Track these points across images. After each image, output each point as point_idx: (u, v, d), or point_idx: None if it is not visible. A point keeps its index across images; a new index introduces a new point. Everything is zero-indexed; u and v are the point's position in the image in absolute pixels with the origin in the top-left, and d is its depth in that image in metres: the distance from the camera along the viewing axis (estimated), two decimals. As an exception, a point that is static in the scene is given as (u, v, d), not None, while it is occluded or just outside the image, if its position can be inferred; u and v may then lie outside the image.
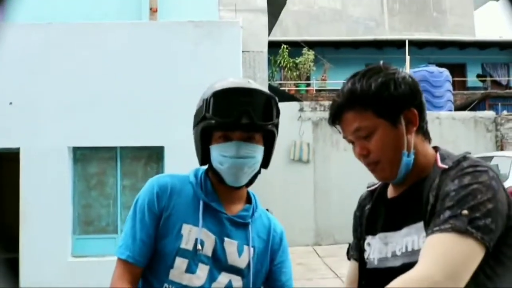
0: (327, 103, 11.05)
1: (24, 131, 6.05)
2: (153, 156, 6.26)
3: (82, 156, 6.27)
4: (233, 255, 1.48)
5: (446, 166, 1.17)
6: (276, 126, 1.52)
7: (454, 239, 1.03)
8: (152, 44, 6.20)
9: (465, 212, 1.05)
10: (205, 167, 1.55)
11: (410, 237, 1.19)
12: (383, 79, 1.21)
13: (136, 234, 1.45)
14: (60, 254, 5.85)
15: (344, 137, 1.30)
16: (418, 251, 1.11)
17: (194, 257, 1.44)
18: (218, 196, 1.52)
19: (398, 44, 15.65)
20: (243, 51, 7.27)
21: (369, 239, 1.33)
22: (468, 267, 1.02)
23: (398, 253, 1.21)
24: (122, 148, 6.19)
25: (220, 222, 1.49)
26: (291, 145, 10.33)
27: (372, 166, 1.26)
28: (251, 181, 1.53)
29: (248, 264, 1.50)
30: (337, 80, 16.02)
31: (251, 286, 1.51)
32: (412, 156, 1.22)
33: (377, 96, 1.20)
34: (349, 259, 1.45)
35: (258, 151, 1.49)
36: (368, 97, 1.20)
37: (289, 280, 1.64)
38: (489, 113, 11.32)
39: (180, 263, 1.44)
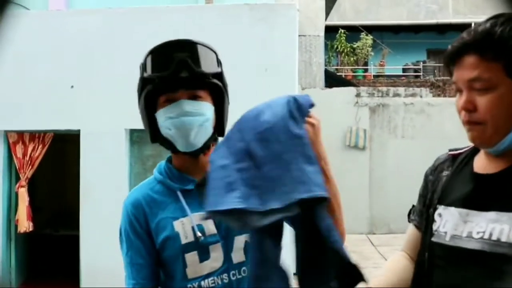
0: (385, 88, 10.78)
1: (84, 113, 6.24)
2: (207, 139, 6.31)
3: (139, 138, 6.40)
4: None
5: None
6: (220, 79, 1.41)
7: None
8: (207, 27, 6.20)
9: None
10: (164, 161, 1.51)
11: (499, 224, 1.01)
12: None
13: (132, 260, 1.43)
14: (116, 234, 6.01)
15: (453, 82, 1.09)
16: (506, 244, 0.97)
17: (200, 244, 1.37)
18: (190, 175, 1.44)
19: (463, 29, 14.89)
20: (299, 35, 7.16)
21: (441, 209, 1.17)
22: None
23: (476, 235, 1.05)
24: (177, 131, 6.28)
25: (203, 196, 1.37)
26: (347, 131, 10.16)
27: (472, 125, 1.06)
28: (206, 146, 1.42)
29: None
30: (395, 65, 15.58)
31: None
32: None
33: None
34: (409, 221, 1.33)
35: (206, 108, 1.38)
36: (506, 46, 0.99)
37: None
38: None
39: (191, 257, 1.38)
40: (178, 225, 1.39)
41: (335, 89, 10.60)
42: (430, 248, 1.19)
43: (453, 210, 1.14)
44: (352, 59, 15.00)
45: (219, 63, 1.42)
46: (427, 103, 10.39)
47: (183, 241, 1.38)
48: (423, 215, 1.26)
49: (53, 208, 8.02)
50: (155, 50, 1.40)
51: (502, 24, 1.01)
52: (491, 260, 1.00)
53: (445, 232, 1.13)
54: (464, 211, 1.11)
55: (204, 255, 1.38)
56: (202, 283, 1.37)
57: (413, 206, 1.34)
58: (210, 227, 1.39)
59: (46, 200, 7.74)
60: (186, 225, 1.38)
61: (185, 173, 1.45)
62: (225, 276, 1.38)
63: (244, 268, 1.40)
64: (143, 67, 1.39)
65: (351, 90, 10.60)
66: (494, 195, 1.07)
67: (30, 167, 6.42)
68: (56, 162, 7.62)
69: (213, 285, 1.37)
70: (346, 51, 14.81)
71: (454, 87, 1.11)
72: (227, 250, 1.39)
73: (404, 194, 9.77)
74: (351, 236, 9.52)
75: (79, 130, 6.28)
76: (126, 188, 6.29)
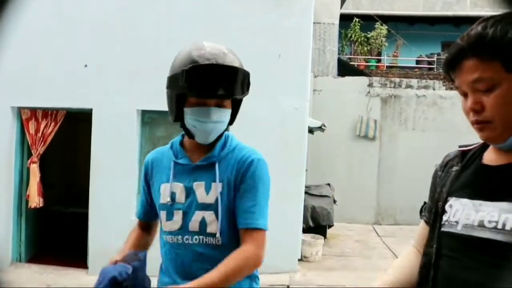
0: (397, 79, 10.70)
1: (97, 92, 6.28)
2: (218, 123, 6.33)
3: (150, 119, 6.44)
4: (202, 194, 1.70)
5: None
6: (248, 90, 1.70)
7: None
8: (220, 13, 6.20)
9: None
10: (181, 134, 1.82)
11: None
12: None
13: (140, 199, 1.95)
14: (124, 213, 6.04)
15: (457, 87, 1.15)
16: None
17: (170, 207, 1.72)
18: (187, 152, 1.78)
19: (480, 21, 14.69)
20: (313, 22, 7.12)
21: (452, 201, 1.20)
22: None
23: (488, 225, 1.07)
24: (188, 113, 6.28)
25: (189, 172, 1.73)
26: (358, 120, 10.13)
27: (481, 124, 1.11)
28: (219, 137, 1.74)
29: (217, 199, 1.68)
30: (409, 57, 15.43)
31: (220, 217, 1.67)
32: None
33: (511, 47, 1.03)
34: (421, 218, 1.37)
35: (227, 115, 1.70)
36: (500, 45, 1.04)
37: (247, 213, 1.67)
38: None
39: (163, 215, 1.75)
40: (162, 188, 1.76)
41: (347, 78, 10.55)
42: (438, 238, 1.21)
43: (464, 200, 1.16)
44: (365, 48, 14.86)
45: (248, 84, 1.67)
46: (439, 95, 10.32)
47: (161, 201, 1.75)
48: (432, 210, 1.28)
49: (63, 185, 8.12)
50: (198, 69, 1.58)
51: (492, 26, 1.06)
52: (505, 250, 1.02)
53: (456, 222, 1.15)
54: (476, 201, 1.13)
55: (169, 216, 1.73)
56: (167, 237, 1.74)
57: (425, 203, 1.37)
58: (180, 196, 1.72)
59: (57, 177, 7.83)
60: (167, 189, 1.74)
61: (187, 151, 1.78)
62: (180, 237, 1.71)
63: (196, 236, 1.69)
64: (184, 75, 1.58)
65: (364, 80, 10.55)
66: (505, 186, 1.09)
67: (42, 143, 6.49)
68: (68, 140, 7.69)
69: (171, 241, 1.73)
70: (360, 40, 14.67)
71: (459, 92, 1.16)
72: (186, 218, 1.70)
73: (412, 186, 9.75)
74: (356, 226, 9.57)
75: (91, 109, 6.33)
76: (136, 169, 6.35)
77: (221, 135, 1.74)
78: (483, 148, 1.23)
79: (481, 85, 1.08)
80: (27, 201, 6.48)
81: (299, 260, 6.59)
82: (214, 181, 1.69)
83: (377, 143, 10.21)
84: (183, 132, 1.80)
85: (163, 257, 1.79)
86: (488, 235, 1.07)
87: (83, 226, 6.40)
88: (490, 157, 1.18)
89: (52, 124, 6.52)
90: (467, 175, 1.21)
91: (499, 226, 1.05)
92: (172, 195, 1.71)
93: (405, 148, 10.04)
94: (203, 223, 1.68)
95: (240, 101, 1.73)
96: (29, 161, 6.48)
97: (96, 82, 6.27)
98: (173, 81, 1.66)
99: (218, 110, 1.65)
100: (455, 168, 1.25)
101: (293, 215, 6.26)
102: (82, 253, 6.40)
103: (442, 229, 1.20)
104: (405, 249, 1.46)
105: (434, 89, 10.54)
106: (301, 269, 6.37)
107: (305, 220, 7.12)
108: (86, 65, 6.31)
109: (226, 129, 1.74)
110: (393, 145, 10.20)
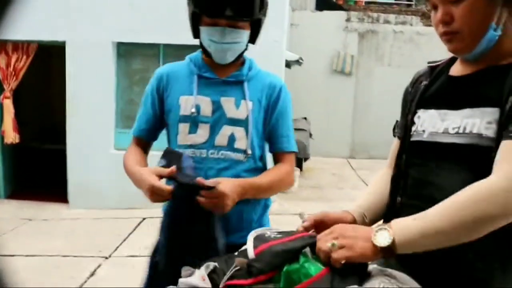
0: (375, 14, 10.62)
1: (70, 24, 6.08)
2: (194, 55, 6.25)
3: (126, 51, 6.31)
4: (231, 109, 1.68)
5: None
6: (263, 12, 1.67)
7: None
8: None
9: None
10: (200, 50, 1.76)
11: (471, 119, 1.10)
12: None
13: (142, 115, 1.78)
14: (104, 147, 6.08)
15: (427, 0, 1.18)
16: (477, 135, 1.08)
17: (194, 120, 1.67)
18: (211, 67, 1.71)
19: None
20: (292, -47, 6.92)
21: (420, 112, 1.26)
22: None
23: (451, 131, 1.14)
24: (165, 45, 6.15)
25: (215, 86, 1.69)
26: (335, 55, 10.12)
27: (449, 36, 1.14)
28: (237, 58, 1.70)
29: (247, 116, 1.68)
30: (389, -8, 15.20)
31: (251, 133, 1.69)
32: (499, 32, 1.09)
33: None
34: (394, 136, 1.42)
35: (243, 36, 1.65)
36: None
37: (283, 138, 1.77)
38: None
39: (183, 127, 1.68)
40: (182, 100, 1.69)
41: (325, 12, 10.42)
42: (408, 149, 1.28)
43: (431, 111, 1.21)
44: (345, -18, 14.59)
45: (261, 4, 1.63)
46: (416, 31, 10.31)
47: (181, 112, 1.68)
48: (403, 124, 1.34)
49: (39, 122, 8.02)
50: None
51: None
52: (467, 152, 1.09)
53: (423, 130, 1.22)
54: (442, 111, 1.19)
55: (192, 129, 1.67)
56: (186, 151, 1.66)
57: (397, 121, 1.42)
58: (206, 109, 1.68)
59: (32, 113, 7.71)
60: (189, 102, 1.68)
61: (209, 66, 1.72)
62: (203, 152, 1.66)
63: (222, 151, 1.67)
64: None
65: (341, 14, 10.44)
66: (467, 94, 1.14)
67: (14, 78, 6.35)
68: (41, 74, 7.52)
69: (192, 155, 1.66)
70: (340, -27, 14.37)
71: (429, 5, 1.18)
72: (213, 132, 1.67)
73: (387, 121, 9.82)
74: (332, 160, 9.79)
75: (64, 42, 6.16)
76: (113, 102, 6.30)
77: (241, 55, 1.71)
78: (451, 62, 1.28)
79: None
80: (2, 137, 6.42)
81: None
82: (244, 98, 1.69)
83: (353, 79, 10.27)
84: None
85: None
86: (451, 139, 1.14)
87: (61, 162, 6.41)
88: (457, 69, 1.23)
89: (24, 57, 6.34)
90: (435, 88, 1.26)
91: (461, 131, 1.12)
92: (197, 107, 1.67)
93: (381, 84, 10.12)
94: (231, 138, 1.67)
95: (260, 21, 1.69)
96: (1, 96, 6.35)
97: (68, 13, 6.06)
98: None
99: (232, 31, 1.61)
100: (424, 83, 1.30)
101: (270, 149, 6.36)
102: (62, 188, 6.44)
103: (411, 139, 1.27)
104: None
105: (411, 25, 10.50)
106: (278, 199, 6.55)
107: (281, 154, 7.23)
108: (56, -4, 6.07)
109: (246, 48, 1.71)
110: (369, 81, 10.27)
